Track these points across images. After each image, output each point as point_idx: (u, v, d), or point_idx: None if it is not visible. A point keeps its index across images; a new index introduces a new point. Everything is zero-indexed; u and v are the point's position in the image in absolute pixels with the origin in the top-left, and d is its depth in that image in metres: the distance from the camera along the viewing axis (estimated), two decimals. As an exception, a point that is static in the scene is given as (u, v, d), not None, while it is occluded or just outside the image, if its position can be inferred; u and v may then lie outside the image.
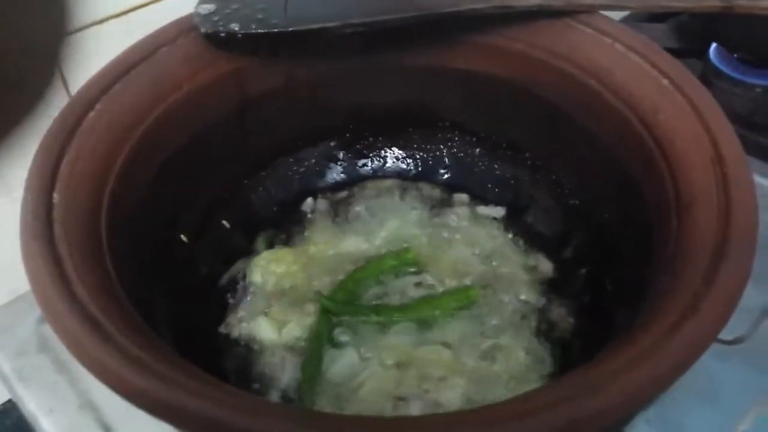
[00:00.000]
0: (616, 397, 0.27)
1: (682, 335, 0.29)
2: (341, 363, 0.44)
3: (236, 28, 0.43)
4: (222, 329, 0.47)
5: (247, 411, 0.28)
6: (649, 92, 0.42)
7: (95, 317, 0.30)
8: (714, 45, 0.71)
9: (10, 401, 0.63)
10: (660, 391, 0.28)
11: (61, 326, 0.30)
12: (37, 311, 0.52)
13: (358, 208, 0.54)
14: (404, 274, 0.49)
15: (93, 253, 0.35)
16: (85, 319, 0.30)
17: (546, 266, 0.50)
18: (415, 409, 0.42)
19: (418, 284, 0.49)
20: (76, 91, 0.55)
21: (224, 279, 0.50)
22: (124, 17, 0.56)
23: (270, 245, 0.52)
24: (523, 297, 0.48)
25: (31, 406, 0.48)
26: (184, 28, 0.45)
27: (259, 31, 0.43)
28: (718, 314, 0.30)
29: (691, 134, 0.39)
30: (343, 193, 0.55)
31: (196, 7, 0.45)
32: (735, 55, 0.70)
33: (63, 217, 0.35)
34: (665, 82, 0.42)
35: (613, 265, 0.45)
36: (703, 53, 0.72)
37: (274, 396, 0.44)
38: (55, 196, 0.36)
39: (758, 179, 0.61)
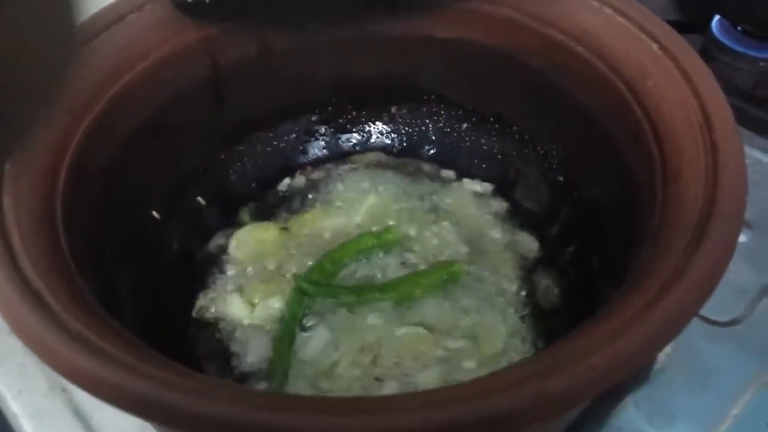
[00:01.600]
0: (586, 374, 0.26)
1: (659, 310, 0.27)
2: (314, 343, 0.42)
3: (204, -7, 0.42)
4: (195, 307, 0.46)
5: (195, 392, 0.26)
6: (638, 57, 0.40)
7: (37, 290, 0.29)
8: (716, 17, 0.68)
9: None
10: (633, 368, 0.26)
11: (2, 301, 0.28)
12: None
13: (341, 184, 0.52)
14: (385, 252, 0.47)
15: (45, 226, 0.34)
16: (25, 291, 0.28)
17: (532, 245, 0.48)
18: (391, 390, 0.40)
19: (399, 263, 0.47)
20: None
21: (199, 256, 0.48)
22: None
23: (253, 219, 0.51)
24: (507, 275, 0.46)
25: (0, 387, 0.47)
26: (152, -6, 0.43)
27: (228, -4, 0.41)
28: (700, 287, 0.28)
29: (679, 100, 0.37)
30: (325, 169, 0.53)
31: (164, -28, 0.43)
32: (738, 28, 0.67)
33: (13, 188, 0.33)
34: (654, 46, 0.39)
35: (600, 241, 0.43)
36: (705, 26, 0.69)
37: (245, 374, 0.43)
38: (7, 166, 0.34)
39: (759, 155, 0.59)
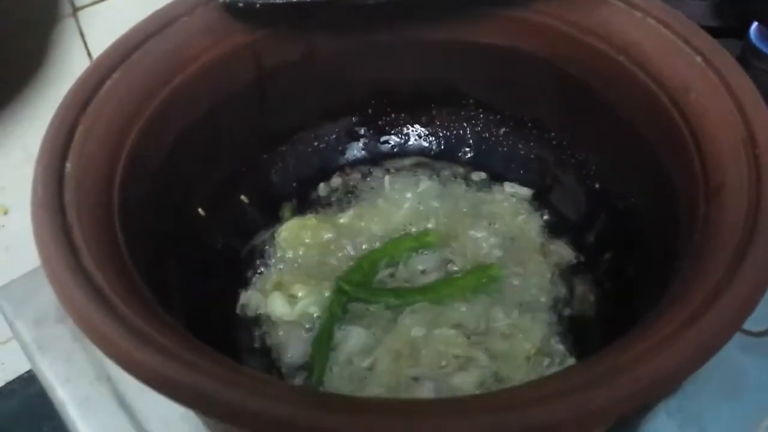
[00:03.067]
0: (630, 387, 0.26)
1: (701, 327, 0.28)
2: (352, 342, 0.43)
3: (255, -2, 0.42)
4: (237, 304, 0.47)
5: (248, 388, 0.27)
6: (681, 70, 0.40)
7: (101, 289, 0.30)
8: (755, 24, 0.68)
9: (31, 370, 0.65)
10: (675, 383, 0.27)
11: (66, 297, 0.30)
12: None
13: (379, 185, 0.53)
14: (423, 253, 0.48)
15: (104, 224, 0.35)
16: (91, 291, 0.30)
17: (567, 254, 0.48)
18: (428, 391, 0.41)
19: (437, 264, 0.48)
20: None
21: (243, 252, 0.50)
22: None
23: (294, 216, 0.52)
24: (544, 279, 0.47)
25: (49, 375, 0.49)
26: (202, -2, 0.44)
27: (278, 0, 0.42)
28: (741, 306, 0.29)
29: (722, 115, 0.37)
30: (364, 170, 0.54)
31: (215, -23, 0.44)
32: (777, 35, 0.67)
33: (75, 187, 0.35)
34: (698, 59, 0.40)
35: (637, 250, 0.43)
36: (742, 32, 0.69)
37: (284, 370, 0.44)
38: (68, 165, 0.35)
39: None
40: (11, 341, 0.71)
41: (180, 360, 0.28)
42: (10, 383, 0.79)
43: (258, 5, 0.42)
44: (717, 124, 0.37)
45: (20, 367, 0.78)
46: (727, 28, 0.69)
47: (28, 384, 0.77)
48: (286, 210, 0.52)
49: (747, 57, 0.68)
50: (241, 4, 0.43)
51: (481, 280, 0.46)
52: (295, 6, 0.43)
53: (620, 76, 0.43)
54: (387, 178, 0.53)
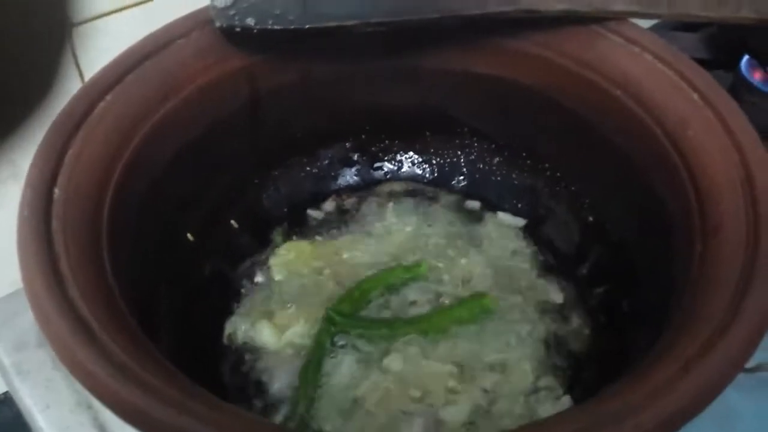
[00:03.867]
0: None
1: (703, 370, 0.28)
2: (341, 373, 0.43)
3: (252, 23, 0.42)
4: (225, 331, 0.46)
5: (229, 428, 0.26)
6: (678, 106, 0.40)
7: (86, 320, 0.29)
8: (745, 57, 0.69)
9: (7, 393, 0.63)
10: (677, 427, 0.27)
11: (49, 327, 0.29)
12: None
13: (372, 212, 0.53)
14: (415, 283, 0.47)
15: (92, 252, 0.34)
16: (75, 322, 0.29)
17: (555, 294, 0.48)
18: (417, 426, 0.41)
19: (429, 294, 0.47)
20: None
21: (232, 278, 0.49)
22: (141, 6, 0.55)
23: (286, 240, 0.51)
24: (538, 311, 0.47)
25: (27, 401, 0.47)
26: (199, 20, 0.44)
27: (275, 27, 0.42)
28: (742, 348, 0.29)
29: (720, 154, 0.37)
30: (357, 196, 0.54)
31: (212, 0, 0.44)
32: (766, 68, 0.67)
33: (63, 213, 0.34)
34: (695, 96, 0.40)
35: (632, 286, 0.43)
36: (734, 65, 0.69)
37: (271, 401, 0.43)
38: (56, 191, 0.35)
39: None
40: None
41: (161, 397, 0.28)
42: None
43: (255, 30, 0.42)
44: (714, 163, 0.37)
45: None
46: (718, 60, 0.70)
47: (3, 407, 0.75)
48: (276, 235, 0.51)
49: (738, 89, 0.69)
50: (237, 29, 0.42)
51: (473, 311, 0.45)
52: (291, 32, 0.42)
53: (617, 109, 0.43)
54: (379, 205, 0.53)
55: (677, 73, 0.41)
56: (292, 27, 0.42)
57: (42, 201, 0.34)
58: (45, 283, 0.30)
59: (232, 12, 0.43)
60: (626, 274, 0.44)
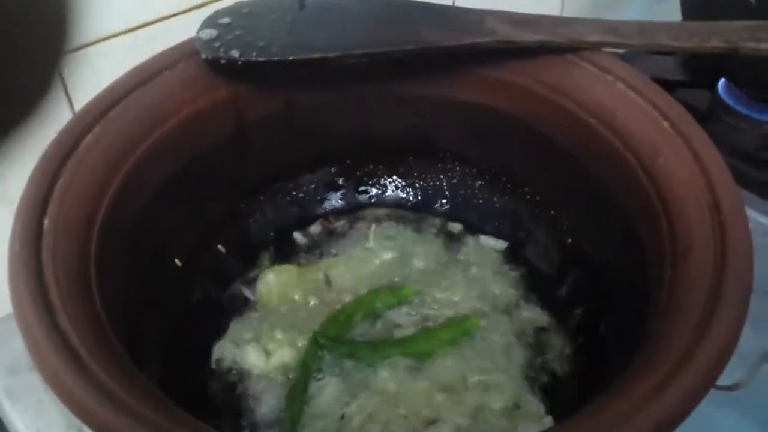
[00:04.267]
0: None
1: (672, 391, 0.29)
2: (327, 395, 0.44)
3: (237, 55, 0.43)
4: (212, 357, 0.47)
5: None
6: (650, 134, 0.41)
7: (74, 348, 0.30)
8: (722, 79, 0.70)
9: None
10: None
11: (39, 357, 0.30)
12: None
13: (357, 235, 0.54)
14: (400, 306, 0.48)
15: (81, 281, 0.35)
16: (65, 351, 0.30)
17: (539, 317, 0.49)
18: (403, 448, 0.42)
19: (414, 317, 0.48)
20: (79, 106, 0.55)
21: (219, 303, 0.50)
22: (131, 34, 0.56)
23: (273, 264, 0.52)
24: (519, 332, 0.48)
25: (19, 425, 0.48)
26: (185, 52, 0.45)
27: (259, 59, 0.43)
28: (712, 365, 0.30)
29: (689, 180, 0.38)
30: (342, 220, 0.55)
31: (198, 32, 0.45)
32: (743, 91, 0.69)
33: (53, 244, 0.35)
34: (666, 124, 0.41)
35: (608, 307, 0.44)
36: (711, 85, 0.71)
37: (258, 424, 0.44)
38: (46, 222, 0.36)
39: (761, 219, 0.60)
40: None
41: (148, 424, 0.28)
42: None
43: (240, 62, 0.43)
44: (684, 188, 0.38)
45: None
46: (696, 81, 0.72)
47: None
48: (263, 259, 0.52)
49: (715, 110, 0.70)
50: (223, 61, 0.44)
51: (457, 333, 0.46)
52: (275, 64, 0.43)
53: (591, 136, 0.44)
54: (364, 228, 0.54)
55: (649, 101, 0.42)
56: (276, 59, 0.43)
57: (32, 234, 0.35)
58: (36, 313, 0.31)
59: (217, 44, 0.44)
60: (603, 295, 0.45)
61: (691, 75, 0.72)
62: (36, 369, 0.30)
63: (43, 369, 0.30)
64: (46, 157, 0.39)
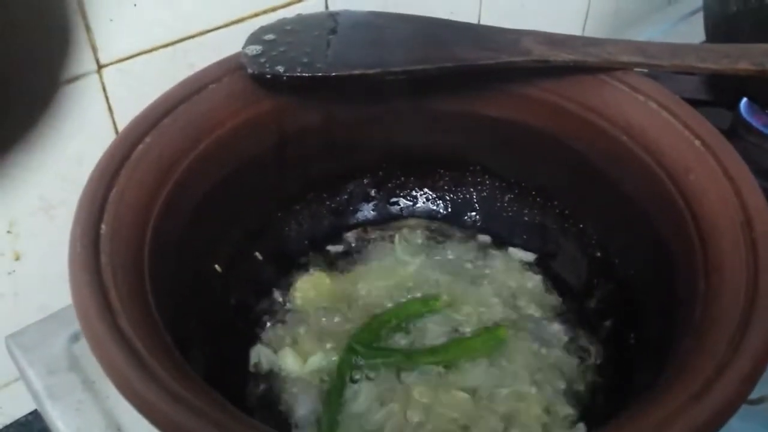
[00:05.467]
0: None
1: (704, 405, 0.30)
2: (362, 400, 0.45)
3: (281, 71, 0.45)
4: (251, 359, 0.48)
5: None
6: (681, 152, 0.43)
7: (139, 352, 0.31)
8: (744, 99, 0.72)
9: (34, 412, 0.65)
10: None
11: (106, 360, 0.31)
12: (68, 330, 0.55)
13: (388, 245, 0.55)
14: (431, 316, 0.50)
15: (136, 284, 0.37)
16: (130, 354, 0.31)
17: (566, 328, 0.50)
18: (435, 453, 0.43)
19: (445, 326, 0.49)
20: (120, 118, 0.57)
21: (257, 308, 0.51)
22: (170, 47, 0.58)
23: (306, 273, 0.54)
24: (549, 343, 0.49)
25: (59, 424, 0.49)
26: (230, 67, 0.47)
27: (304, 74, 0.45)
28: (743, 383, 0.31)
29: (721, 197, 0.39)
30: (374, 230, 0.57)
31: (243, 48, 0.47)
32: (765, 111, 0.70)
33: (110, 249, 0.36)
34: (697, 143, 0.42)
35: (638, 320, 0.45)
36: (734, 105, 0.72)
37: (295, 426, 0.45)
38: (103, 227, 0.37)
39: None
40: (8, 386, 0.71)
41: (211, 420, 0.30)
42: (7, 427, 0.78)
43: (285, 77, 0.45)
44: (715, 206, 0.39)
45: (17, 412, 0.78)
46: (718, 101, 0.73)
47: (25, 429, 0.77)
48: (298, 267, 0.54)
49: (737, 129, 0.72)
50: (268, 75, 0.45)
51: (488, 342, 0.47)
52: (317, 79, 0.45)
53: (622, 153, 0.46)
54: (396, 239, 0.55)
55: (680, 120, 0.44)
56: (320, 74, 0.45)
57: (91, 237, 0.36)
58: (98, 314, 0.32)
59: (262, 59, 0.46)
60: (633, 308, 0.46)
61: (713, 94, 0.73)
62: (103, 372, 0.31)
63: (107, 366, 0.31)
64: (100, 166, 0.40)
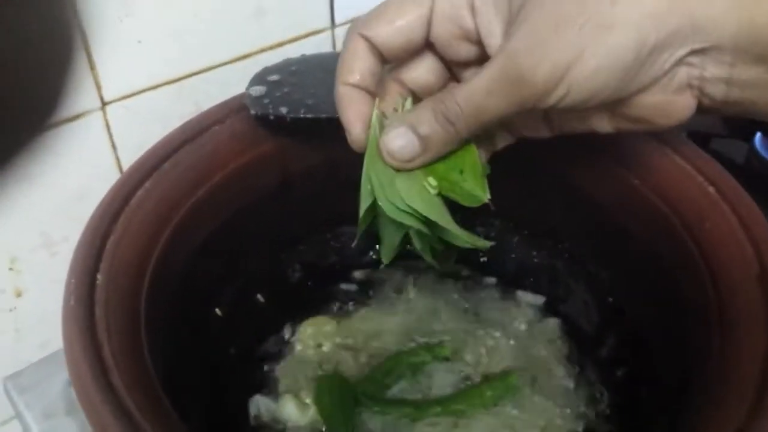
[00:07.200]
0: None
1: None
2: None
3: (284, 112, 0.44)
4: (251, 407, 0.47)
5: None
6: (695, 198, 0.41)
7: (129, 411, 0.30)
8: (758, 134, 0.70)
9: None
10: None
11: (95, 418, 0.30)
12: (66, 372, 0.53)
13: (393, 288, 0.54)
14: (438, 363, 0.48)
15: (132, 335, 0.36)
16: (120, 413, 0.30)
17: (577, 376, 0.49)
18: None
19: (451, 373, 0.48)
20: (123, 155, 0.56)
21: (257, 354, 0.50)
22: (175, 84, 0.57)
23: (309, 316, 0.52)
24: (560, 391, 0.48)
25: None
26: (233, 107, 0.46)
27: (308, 116, 0.44)
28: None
29: (736, 247, 0.38)
30: (378, 271, 0.55)
31: (247, 88, 0.46)
32: (781, 146, 0.69)
33: (105, 300, 0.35)
34: (711, 189, 0.41)
35: (650, 372, 0.44)
36: (749, 137, 0.71)
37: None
38: (99, 276, 0.36)
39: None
40: (5, 424, 0.70)
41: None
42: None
43: (288, 119, 0.44)
44: (731, 256, 0.38)
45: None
46: (731, 134, 0.72)
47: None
48: (300, 309, 0.53)
49: (752, 163, 0.70)
50: (272, 117, 0.45)
51: (499, 390, 0.46)
52: (323, 121, 0.44)
53: (635, 198, 0.44)
54: (402, 280, 0.54)
55: (694, 166, 0.42)
56: (324, 116, 0.44)
57: (85, 288, 0.35)
58: (90, 373, 0.31)
59: (266, 101, 0.45)
60: (644, 360, 0.45)
61: (727, 128, 0.72)
62: (91, 428, 0.30)
63: (97, 427, 0.30)
64: (98, 213, 0.39)
